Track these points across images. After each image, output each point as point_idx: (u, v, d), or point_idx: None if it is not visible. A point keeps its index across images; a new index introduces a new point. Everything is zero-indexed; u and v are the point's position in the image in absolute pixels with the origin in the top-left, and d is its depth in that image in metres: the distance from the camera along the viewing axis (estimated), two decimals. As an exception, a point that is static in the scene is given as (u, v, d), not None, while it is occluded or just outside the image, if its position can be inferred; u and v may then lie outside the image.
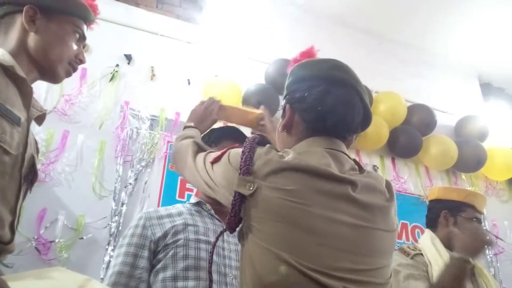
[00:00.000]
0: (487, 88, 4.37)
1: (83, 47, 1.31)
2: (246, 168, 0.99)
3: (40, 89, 2.40)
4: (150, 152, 2.55)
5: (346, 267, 0.91)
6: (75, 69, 1.27)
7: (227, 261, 1.37)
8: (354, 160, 1.10)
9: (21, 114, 1.09)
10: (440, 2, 3.50)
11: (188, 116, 1.53)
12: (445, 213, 1.95)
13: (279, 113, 1.23)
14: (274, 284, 0.90)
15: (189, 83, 2.88)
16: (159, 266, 1.31)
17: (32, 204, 2.09)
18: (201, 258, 1.31)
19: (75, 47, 1.24)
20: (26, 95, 1.13)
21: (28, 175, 1.16)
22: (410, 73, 3.85)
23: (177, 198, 2.49)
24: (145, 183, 2.47)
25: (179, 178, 2.54)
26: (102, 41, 2.65)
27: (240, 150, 1.05)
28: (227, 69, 2.99)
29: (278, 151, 1.04)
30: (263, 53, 3.19)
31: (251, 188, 0.96)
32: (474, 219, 1.93)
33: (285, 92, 1.18)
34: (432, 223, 2.00)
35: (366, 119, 1.13)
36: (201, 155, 1.18)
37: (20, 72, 1.12)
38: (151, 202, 2.41)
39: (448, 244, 1.87)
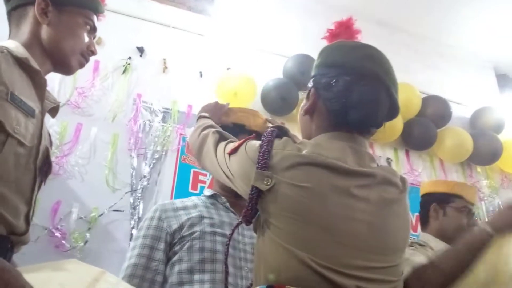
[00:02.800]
0: (503, 79, 4.30)
1: (94, 39, 1.32)
2: (264, 163, 0.98)
3: (53, 82, 2.40)
4: (163, 144, 2.55)
5: (360, 265, 0.90)
6: (87, 61, 1.28)
7: (242, 254, 1.36)
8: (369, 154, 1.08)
9: (36, 106, 1.09)
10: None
11: (200, 109, 1.53)
12: (434, 206, 1.92)
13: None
14: (287, 281, 0.89)
15: (201, 75, 2.87)
16: (175, 258, 1.31)
17: (47, 197, 2.09)
18: (217, 250, 1.31)
19: (86, 38, 1.25)
20: (40, 87, 1.14)
21: (43, 167, 1.17)
22: (424, 64, 3.80)
23: (190, 190, 2.48)
24: (158, 175, 2.47)
25: (192, 170, 2.54)
26: (114, 33, 2.65)
27: (257, 142, 1.04)
28: (240, 61, 2.98)
29: (295, 142, 1.02)
30: (275, 45, 3.16)
31: (268, 183, 0.95)
32: (463, 209, 1.90)
33: (313, 72, 1.13)
34: (424, 219, 1.98)
35: (392, 112, 1.09)
36: (221, 145, 1.17)
37: (34, 64, 1.12)
38: (164, 194, 2.41)
39: (441, 237, 1.85)
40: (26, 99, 1.05)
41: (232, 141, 1.17)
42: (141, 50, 2.78)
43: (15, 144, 1.01)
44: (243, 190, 1.04)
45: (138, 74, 2.71)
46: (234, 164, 1.07)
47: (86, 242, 2.14)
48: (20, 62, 1.09)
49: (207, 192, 1.53)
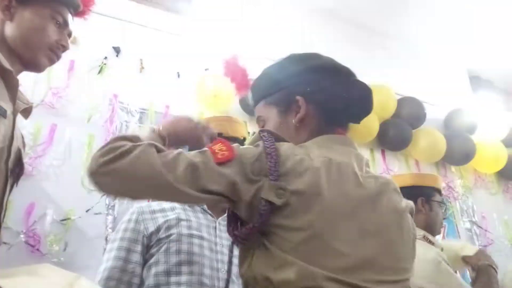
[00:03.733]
0: (476, 81, 4.39)
1: (69, 35, 1.28)
2: (277, 173, 0.88)
3: (27, 81, 2.35)
4: (140, 145, 2.52)
5: (372, 279, 0.87)
6: (58, 56, 1.23)
7: (219, 256, 1.36)
8: None
9: (7, 107, 1.07)
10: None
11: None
12: (422, 200, 1.96)
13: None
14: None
15: (178, 76, 2.86)
16: (152, 260, 1.30)
17: (20, 199, 2.05)
18: (194, 253, 1.30)
19: (55, 33, 1.21)
20: (12, 87, 1.11)
21: (15, 169, 1.14)
22: (399, 66, 3.86)
23: (167, 192, 2.46)
24: (135, 176, 2.44)
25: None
26: (90, 33, 2.61)
27: (255, 149, 0.93)
28: (218, 62, 2.97)
29: (298, 147, 0.97)
30: (253, 47, 3.16)
31: (282, 196, 0.87)
32: (442, 204, 2.03)
33: (285, 84, 1.09)
34: None
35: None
36: (184, 156, 0.91)
37: (6, 63, 1.09)
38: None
39: (429, 230, 1.93)
40: None
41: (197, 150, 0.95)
42: (117, 50, 2.75)
43: None
44: (236, 205, 0.92)
45: (114, 74, 2.68)
46: (230, 175, 0.89)
47: (61, 245, 2.10)
48: None
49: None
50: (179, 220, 1.36)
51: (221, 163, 0.89)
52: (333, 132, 1.05)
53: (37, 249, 2.05)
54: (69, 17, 1.26)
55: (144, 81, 2.74)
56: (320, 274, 0.84)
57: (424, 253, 1.66)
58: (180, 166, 0.87)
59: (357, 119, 1.09)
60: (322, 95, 1.05)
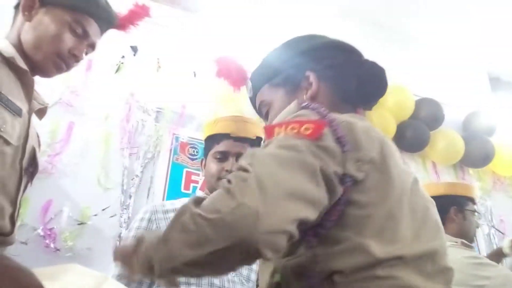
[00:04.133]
0: (496, 82, 4.32)
1: (91, 47, 1.25)
2: (350, 144, 0.76)
3: (45, 80, 2.38)
4: (156, 144, 2.54)
5: (437, 269, 0.81)
6: (67, 64, 1.18)
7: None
8: None
9: (23, 106, 1.08)
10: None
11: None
12: (455, 209, 1.94)
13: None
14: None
15: (194, 75, 2.86)
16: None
17: (38, 196, 2.08)
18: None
19: (70, 41, 1.17)
20: (27, 87, 1.12)
21: (29, 168, 1.15)
22: (418, 66, 3.81)
23: (182, 190, 2.48)
24: (151, 175, 2.46)
25: (184, 170, 2.54)
26: (108, 32, 2.63)
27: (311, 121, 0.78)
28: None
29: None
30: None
31: (362, 169, 0.76)
32: (476, 212, 2.02)
33: (292, 62, 1.02)
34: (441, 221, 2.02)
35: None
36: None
37: (22, 63, 1.10)
38: (156, 194, 2.40)
39: (463, 239, 1.92)
40: (13, 99, 1.04)
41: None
42: (134, 49, 2.77)
43: (1, 143, 1.00)
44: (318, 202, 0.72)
45: (132, 73, 2.70)
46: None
47: (76, 242, 2.13)
48: (8, 62, 1.08)
49: (199, 193, 1.52)
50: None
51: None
52: (354, 112, 0.96)
53: (52, 245, 2.08)
54: (94, 28, 1.23)
55: (161, 80, 2.75)
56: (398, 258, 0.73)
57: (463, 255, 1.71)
58: None
59: (371, 100, 1.02)
60: (333, 71, 0.98)
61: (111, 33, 2.65)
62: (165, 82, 2.75)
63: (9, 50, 1.10)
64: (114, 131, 2.48)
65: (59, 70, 1.20)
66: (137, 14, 1.33)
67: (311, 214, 0.69)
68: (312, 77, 0.98)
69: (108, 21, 1.26)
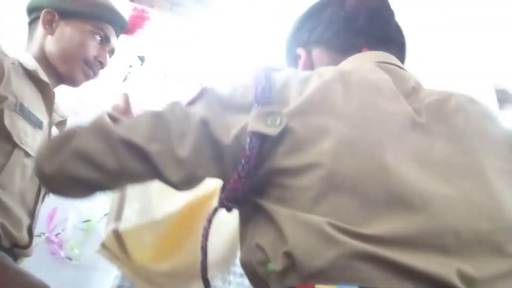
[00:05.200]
0: (502, 94, 4.31)
1: (112, 52, 1.28)
2: (267, 99, 0.67)
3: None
4: (161, 152, 2.55)
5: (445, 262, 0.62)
6: (94, 72, 1.24)
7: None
8: None
9: (44, 118, 1.10)
10: (454, 5, 3.46)
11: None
12: None
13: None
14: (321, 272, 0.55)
15: (201, 85, 2.87)
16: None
17: (44, 203, 2.09)
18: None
19: (94, 48, 1.22)
20: (48, 99, 1.14)
21: None
22: (423, 77, 3.81)
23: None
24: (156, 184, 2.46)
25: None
26: (115, 42, 2.66)
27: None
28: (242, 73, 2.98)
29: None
30: (278, 56, 3.16)
31: (276, 124, 0.63)
32: None
33: (286, 49, 1.04)
34: None
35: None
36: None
37: (43, 76, 1.12)
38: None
39: None
40: (35, 111, 1.06)
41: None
42: (142, 59, 2.79)
43: (22, 155, 1.01)
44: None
45: (139, 82, 2.72)
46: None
47: (82, 249, 2.13)
48: (30, 74, 1.10)
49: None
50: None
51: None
52: (358, 52, 0.88)
53: (58, 253, 2.08)
54: (112, 33, 1.27)
55: (168, 90, 2.77)
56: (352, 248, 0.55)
57: None
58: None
59: (372, 30, 0.91)
60: (318, 30, 0.94)
61: (119, 42, 2.70)
62: (172, 92, 2.77)
63: (31, 63, 1.13)
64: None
65: (87, 77, 1.25)
66: (140, 18, 1.37)
67: None
68: (300, 52, 0.97)
69: (121, 26, 1.31)
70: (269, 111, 0.65)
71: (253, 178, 0.65)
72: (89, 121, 0.74)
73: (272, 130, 0.63)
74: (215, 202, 0.76)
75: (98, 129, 0.71)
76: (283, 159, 0.62)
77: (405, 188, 0.57)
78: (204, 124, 0.67)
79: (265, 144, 0.63)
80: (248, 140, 0.64)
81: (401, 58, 0.96)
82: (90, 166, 0.68)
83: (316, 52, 0.94)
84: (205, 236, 0.78)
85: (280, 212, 0.61)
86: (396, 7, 1.00)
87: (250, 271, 0.65)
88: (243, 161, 0.64)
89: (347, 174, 0.59)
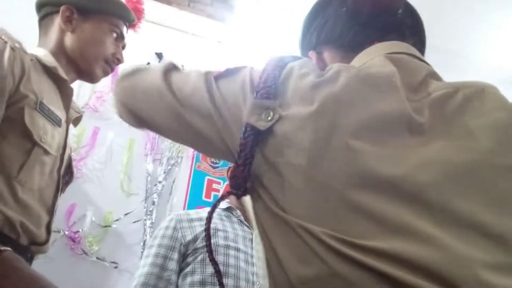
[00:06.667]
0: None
1: (123, 48, 1.31)
2: (266, 89, 0.67)
3: (73, 85, 2.42)
4: (178, 150, 2.56)
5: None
6: (112, 69, 1.28)
7: (255, 269, 1.35)
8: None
9: (62, 115, 1.10)
10: (475, 5, 3.41)
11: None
12: None
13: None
14: (309, 281, 0.55)
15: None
16: (187, 269, 1.31)
17: (63, 199, 2.10)
18: (230, 264, 1.31)
19: (112, 46, 1.25)
20: (66, 96, 1.15)
21: (65, 176, 1.17)
22: (445, 78, 3.76)
23: (203, 198, 2.48)
24: (173, 182, 2.47)
25: (206, 178, 2.54)
26: (133, 39, 2.67)
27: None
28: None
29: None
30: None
31: (269, 119, 0.64)
32: None
33: (301, 53, 0.98)
34: None
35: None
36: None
37: (62, 73, 1.13)
38: (178, 201, 2.41)
39: None
40: (54, 109, 1.06)
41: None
42: (159, 56, 2.80)
43: (41, 153, 1.02)
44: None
45: (156, 79, 2.72)
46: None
47: (100, 246, 2.15)
48: (48, 71, 1.11)
49: (223, 204, 1.53)
50: (216, 230, 1.37)
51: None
52: (369, 46, 0.82)
53: (79, 249, 2.10)
54: (125, 30, 1.30)
55: (185, 87, 2.77)
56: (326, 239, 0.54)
57: None
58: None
59: (375, 21, 0.85)
60: (325, 30, 0.89)
61: (137, 39, 2.70)
62: (189, 89, 2.77)
63: (50, 60, 1.14)
64: (137, 137, 2.50)
65: (105, 74, 1.28)
66: (137, 11, 1.38)
67: None
68: (311, 55, 0.92)
69: (132, 21, 1.32)
70: (264, 105, 0.65)
71: (252, 165, 0.65)
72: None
73: (263, 124, 0.63)
74: None
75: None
76: (271, 152, 0.63)
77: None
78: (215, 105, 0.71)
79: (259, 135, 0.64)
80: (243, 129, 0.65)
81: (418, 42, 0.88)
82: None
83: (327, 53, 0.89)
84: (209, 220, 0.75)
85: (271, 210, 0.61)
86: None
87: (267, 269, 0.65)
88: (239, 149, 0.65)
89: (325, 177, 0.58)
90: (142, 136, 2.51)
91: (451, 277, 0.51)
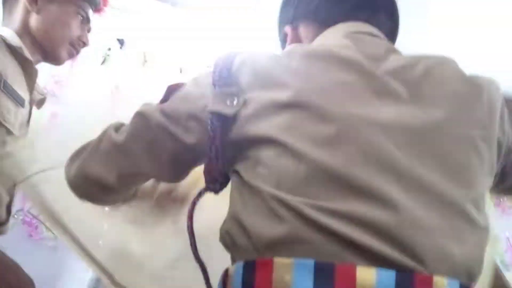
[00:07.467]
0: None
1: (88, 31, 1.30)
2: (224, 80, 0.74)
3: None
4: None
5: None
6: (78, 51, 1.27)
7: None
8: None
9: (25, 96, 1.09)
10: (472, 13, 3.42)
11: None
12: None
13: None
14: (276, 246, 0.59)
15: (180, 71, 2.86)
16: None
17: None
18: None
19: (78, 29, 1.24)
20: (30, 77, 1.14)
21: None
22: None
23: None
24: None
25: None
26: (95, 23, 2.62)
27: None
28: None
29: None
30: (264, 43, 3.16)
31: (234, 104, 0.69)
32: None
33: (279, 28, 1.00)
34: None
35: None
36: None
37: (27, 54, 1.12)
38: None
39: None
40: (17, 88, 1.05)
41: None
42: (121, 42, 2.76)
43: (4, 133, 1.01)
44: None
45: (117, 66, 2.69)
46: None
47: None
48: (13, 51, 1.09)
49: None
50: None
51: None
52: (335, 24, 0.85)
53: (35, 234, 2.06)
54: (90, 13, 1.29)
55: (147, 75, 2.75)
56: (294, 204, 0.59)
57: None
58: None
59: (359, 10, 0.85)
60: (302, 4, 0.91)
61: (99, 24, 2.66)
62: (151, 77, 2.75)
63: (16, 40, 1.12)
64: (97, 123, 2.46)
65: (71, 57, 1.27)
66: None
67: None
68: (287, 29, 0.94)
69: (96, 5, 1.32)
70: (227, 92, 0.70)
71: (225, 156, 0.70)
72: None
73: (229, 110, 0.68)
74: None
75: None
76: (241, 132, 0.67)
77: None
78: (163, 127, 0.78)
79: (226, 124, 0.68)
80: (209, 122, 0.70)
81: (391, 25, 0.91)
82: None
83: (303, 27, 0.91)
84: (190, 218, 0.80)
85: (244, 182, 0.66)
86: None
87: (221, 241, 0.69)
88: (209, 143, 0.70)
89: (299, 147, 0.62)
90: (102, 122, 2.47)
91: (407, 241, 0.56)
